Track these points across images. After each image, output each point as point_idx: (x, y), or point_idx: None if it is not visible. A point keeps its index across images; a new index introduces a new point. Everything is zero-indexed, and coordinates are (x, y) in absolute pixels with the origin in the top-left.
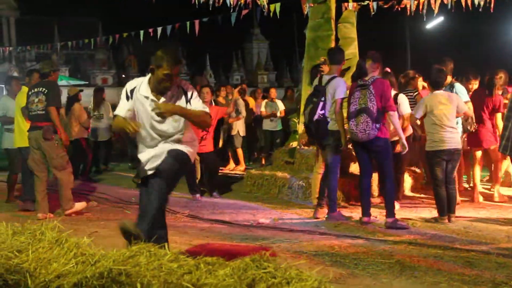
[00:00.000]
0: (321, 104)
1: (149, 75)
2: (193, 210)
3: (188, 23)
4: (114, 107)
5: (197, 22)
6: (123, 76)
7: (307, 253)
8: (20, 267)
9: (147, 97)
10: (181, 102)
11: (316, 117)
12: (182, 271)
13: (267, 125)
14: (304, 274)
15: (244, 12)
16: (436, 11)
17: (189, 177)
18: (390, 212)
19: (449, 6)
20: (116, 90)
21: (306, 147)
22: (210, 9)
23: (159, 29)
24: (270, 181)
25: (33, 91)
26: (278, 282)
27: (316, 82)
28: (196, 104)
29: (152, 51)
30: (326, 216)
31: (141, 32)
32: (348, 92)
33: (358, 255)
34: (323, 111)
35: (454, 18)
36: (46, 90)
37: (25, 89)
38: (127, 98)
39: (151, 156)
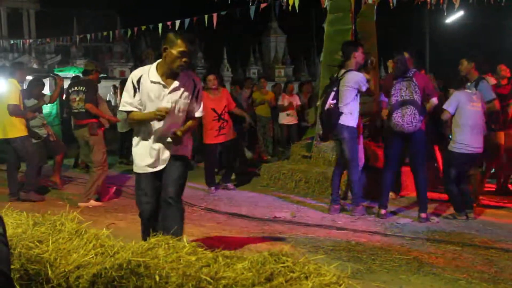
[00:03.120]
0: (332, 94)
1: (155, 63)
2: (209, 203)
3: (206, 16)
4: None
5: (215, 15)
6: None
7: (324, 248)
8: (40, 257)
9: (157, 82)
10: (189, 93)
11: (327, 106)
12: (200, 264)
13: (283, 119)
14: (323, 269)
15: (263, 5)
16: (457, 5)
17: (208, 169)
18: (423, 206)
19: (470, 0)
20: None
21: (323, 142)
22: (229, 2)
23: (177, 22)
24: (287, 175)
25: (73, 89)
26: (297, 277)
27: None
28: (197, 104)
29: None
30: (350, 209)
31: (160, 25)
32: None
33: (375, 250)
34: (334, 101)
35: (474, 12)
36: (85, 89)
37: (11, 81)
38: (135, 90)
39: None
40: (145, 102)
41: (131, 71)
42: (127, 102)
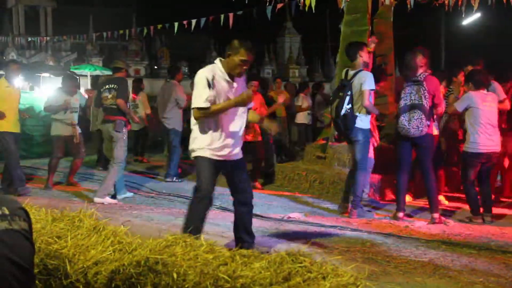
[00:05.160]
0: (347, 98)
1: (218, 63)
2: (223, 202)
3: (222, 15)
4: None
5: (231, 15)
6: (155, 67)
7: (338, 249)
8: (59, 252)
9: (227, 81)
10: (243, 90)
11: (343, 111)
12: (218, 263)
13: (301, 119)
14: (340, 270)
15: (279, 5)
16: (476, 7)
17: None
18: (434, 207)
19: (489, 2)
20: (148, 81)
21: (337, 143)
22: (246, 2)
23: (193, 21)
24: (301, 176)
25: (105, 87)
26: (314, 277)
27: (342, 76)
28: None
29: (184, 43)
30: (349, 211)
31: (176, 24)
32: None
33: (390, 252)
34: (349, 105)
35: (491, 14)
36: (117, 86)
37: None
38: (209, 86)
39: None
40: (219, 96)
41: (145, 70)
42: (205, 99)
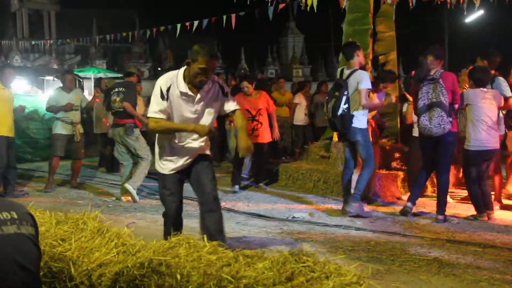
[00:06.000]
0: (344, 98)
1: (182, 70)
2: (228, 203)
3: (224, 17)
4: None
5: (233, 16)
6: (159, 69)
7: (343, 248)
8: (63, 255)
9: (185, 93)
10: (219, 97)
11: (340, 111)
12: (221, 263)
13: (298, 120)
14: (343, 269)
15: (281, 6)
16: (477, 4)
17: (236, 168)
18: (441, 208)
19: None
20: (152, 83)
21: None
22: (248, 3)
23: (196, 23)
24: (305, 175)
25: (114, 90)
26: (317, 276)
27: (337, 75)
28: (230, 100)
29: (187, 44)
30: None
31: (178, 25)
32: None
33: (395, 251)
34: (346, 105)
35: (494, 11)
36: (125, 90)
37: None
38: (163, 97)
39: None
40: (172, 110)
41: (149, 72)
42: (158, 110)
